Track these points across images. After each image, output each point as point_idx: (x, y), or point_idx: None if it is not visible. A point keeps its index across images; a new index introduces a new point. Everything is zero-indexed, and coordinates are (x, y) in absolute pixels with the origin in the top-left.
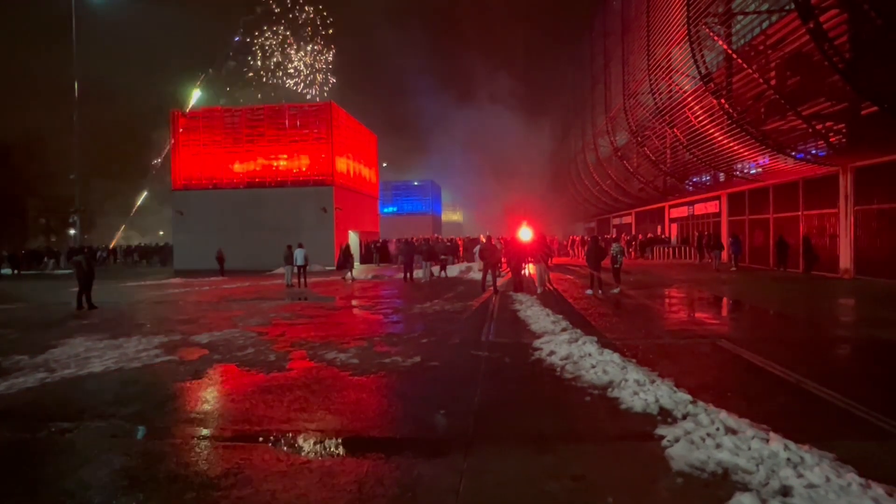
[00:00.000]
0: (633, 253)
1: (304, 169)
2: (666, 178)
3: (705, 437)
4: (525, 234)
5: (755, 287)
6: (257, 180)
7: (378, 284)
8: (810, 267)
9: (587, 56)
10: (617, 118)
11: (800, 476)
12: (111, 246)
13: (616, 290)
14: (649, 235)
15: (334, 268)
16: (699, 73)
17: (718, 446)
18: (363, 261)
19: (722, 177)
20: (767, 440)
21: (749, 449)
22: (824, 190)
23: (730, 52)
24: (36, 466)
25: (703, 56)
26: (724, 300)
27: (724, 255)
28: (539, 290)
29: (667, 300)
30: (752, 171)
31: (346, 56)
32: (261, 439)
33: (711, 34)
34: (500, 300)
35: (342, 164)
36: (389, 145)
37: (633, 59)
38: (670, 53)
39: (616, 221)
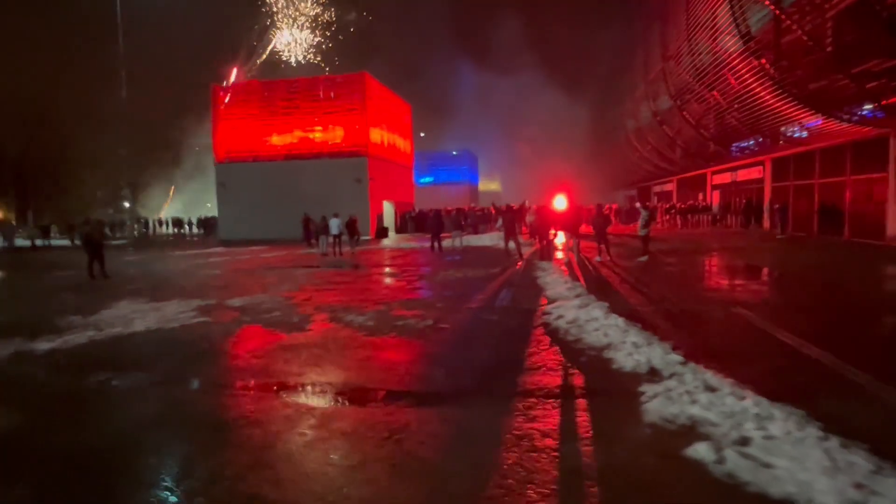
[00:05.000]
0: (670, 221)
1: (338, 140)
2: (708, 143)
3: (683, 393)
4: (560, 202)
5: (792, 254)
6: (294, 152)
7: (408, 253)
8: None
9: (628, 16)
10: (657, 82)
11: (761, 429)
12: (159, 217)
13: (644, 259)
14: (689, 203)
15: (369, 237)
16: (739, 32)
17: (693, 402)
18: (398, 230)
19: (767, 140)
20: (743, 398)
21: (722, 405)
22: (873, 153)
23: (775, 9)
24: (85, 408)
25: (743, 15)
26: (754, 268)
27: (766, 222)
28: (566, 260)
29: (694, 268)
30: (798, 135)
31: (383, 22)
32: (274, 389)
33: None
34: (524, 268)
35: (376, 134)
36: (425, 111)
37: (675, 19)
38: (715, 12)
39: (657, 189)
